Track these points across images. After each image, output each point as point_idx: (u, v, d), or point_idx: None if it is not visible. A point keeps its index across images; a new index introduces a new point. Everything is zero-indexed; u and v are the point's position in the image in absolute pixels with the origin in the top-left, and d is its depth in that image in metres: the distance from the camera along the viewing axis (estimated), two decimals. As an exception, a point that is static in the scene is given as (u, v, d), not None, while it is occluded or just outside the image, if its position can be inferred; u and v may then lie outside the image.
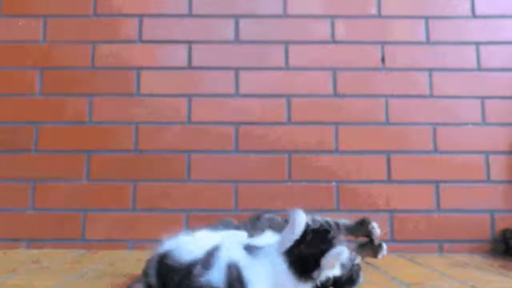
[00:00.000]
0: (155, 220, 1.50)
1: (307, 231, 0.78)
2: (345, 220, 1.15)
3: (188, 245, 0.82)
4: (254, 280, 0.75)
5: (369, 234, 1.13)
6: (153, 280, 0.82)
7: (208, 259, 0.77)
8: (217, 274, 0.75)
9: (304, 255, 0.76)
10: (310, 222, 0.79)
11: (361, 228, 1.13)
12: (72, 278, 1.04)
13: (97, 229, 1.49)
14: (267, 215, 1.15)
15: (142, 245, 1.47)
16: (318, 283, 0.76)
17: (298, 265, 0.76)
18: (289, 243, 0.77)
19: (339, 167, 1.53)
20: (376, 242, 1.13)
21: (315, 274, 0.75)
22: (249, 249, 0.80)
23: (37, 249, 1.46)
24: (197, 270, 0.75)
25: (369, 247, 1.14)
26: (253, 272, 0.76)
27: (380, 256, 1.13)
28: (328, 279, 0.77)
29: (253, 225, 1.09)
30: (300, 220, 0.78)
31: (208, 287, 0.74)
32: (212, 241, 0.83)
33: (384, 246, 1.13)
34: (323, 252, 0.74)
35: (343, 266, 0.80)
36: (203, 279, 0.74)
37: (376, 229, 1.12)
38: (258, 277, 0.75)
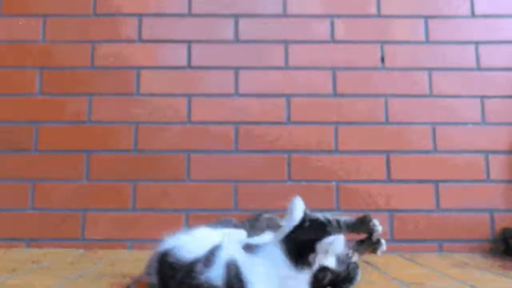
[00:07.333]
0: (154, 220, 1.50)
1: (305, 219, 0.80)
2: (346, 217, 1.14)
3: (189, 244, 0.83)
4: (253, 278, 0.75)
5: (370, 232, 1.12)
6: (153, 278, 0.83)
7: (208, 258, 0.78)
8: (216, 272, 0.75)
9: (301, 240, 0.78)
10: (308, 212, 0.82)
11: (362, 226, 1.12)
12: (72, 278, 1.04)
13: (97, 229, 1.49)
14: (266, 215, 1.15)
15: (142, 245, 1.47)
16: (314, 270, 0.78)
17: (295, 250, 0.77)
18: (287, 229, 0.79)
19: (339, 167, 1.53)
20: (375, 238, 1.12)
21: (310, 257, 0.77)
22: (248, 247, 0.81)
23: (37, 249, 1.46)
24: (197, 268, 0.76)
25: (368, 243, 1.13)
26: (252, 270, 0.76)
27: (379, 252, 1.12)
28: (325, 275, 0.78)
29: (252, 225, 1.09)
30: (299, 207, 0.81)
31: (207, 285, 0.74)
32: (212, 240, 0.83)
33: (383, 241, 1.12)
34: (318, 238, 0.76)
35: (340, 262, 0.81)
36: (203, 277, 0.75)
37: (377, 226, 1.11)
38: (257, 275, 0.76)
